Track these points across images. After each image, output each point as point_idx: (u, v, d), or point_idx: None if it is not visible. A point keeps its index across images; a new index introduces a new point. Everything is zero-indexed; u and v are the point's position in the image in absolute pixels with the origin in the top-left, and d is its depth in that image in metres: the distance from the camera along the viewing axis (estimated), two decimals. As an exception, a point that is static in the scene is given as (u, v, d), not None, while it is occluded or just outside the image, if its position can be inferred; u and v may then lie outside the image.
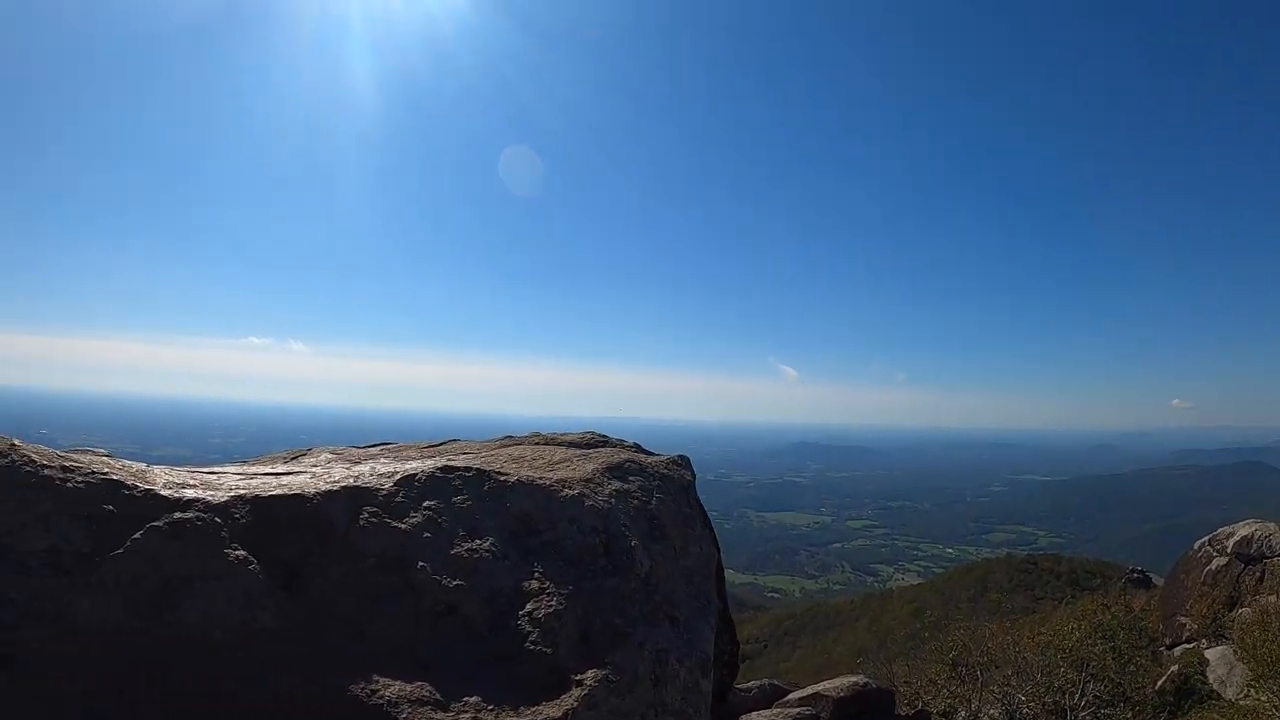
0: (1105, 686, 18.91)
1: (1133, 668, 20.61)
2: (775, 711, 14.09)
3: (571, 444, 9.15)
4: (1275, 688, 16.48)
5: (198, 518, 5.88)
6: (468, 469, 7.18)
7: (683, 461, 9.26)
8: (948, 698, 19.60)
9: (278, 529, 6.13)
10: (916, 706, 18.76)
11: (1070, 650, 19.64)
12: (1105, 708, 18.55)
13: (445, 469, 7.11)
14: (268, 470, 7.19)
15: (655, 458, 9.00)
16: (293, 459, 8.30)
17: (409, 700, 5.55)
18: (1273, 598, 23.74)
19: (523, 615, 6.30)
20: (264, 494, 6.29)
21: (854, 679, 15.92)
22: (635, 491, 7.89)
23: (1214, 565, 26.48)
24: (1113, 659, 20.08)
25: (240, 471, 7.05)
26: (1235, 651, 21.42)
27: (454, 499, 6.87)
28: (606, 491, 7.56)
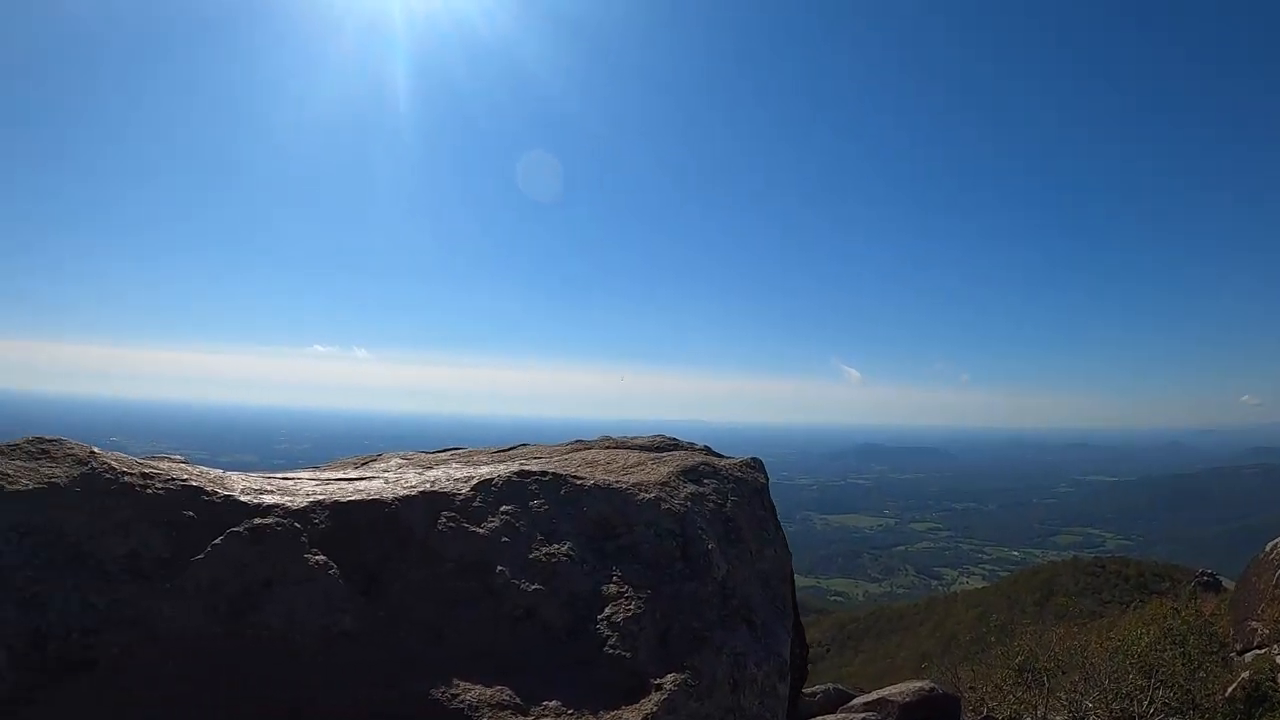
0: (1174, 693, 18.41)
1: (1202, 674, 20.01)
2: (840, 716, 13.99)
3: (642, 447, 9.09)
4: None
5: (277, 523, 5.93)
6: (544, 473, 7.15)
7: (756, 464, 9.17)
8: (1014, 704, 19.24)
9: (357, 534, 6.16)
10: (982, 713, 18.47)
11: (1139, 656, 19.16)
12: (1174, 715, 18.05)
13: (521, 473, 7.09)
14: (341, 476, 7.22)
15: (728, 460, 8.93)
16: (364, 464, 8.34)
17: (489, 704, 5.52)
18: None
19: (601, 619, 6.26)
20: (342, 499, 6.33)
21: (919, 684, 15.72)
22: (710, 495, 7.81)
23: (1288, 567, 25.81)
24: (1182, 665, 19.54)
25: (315, 477, 7.08)
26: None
27: (531, 503, 6.84)
28: (682, 495, 7.49)
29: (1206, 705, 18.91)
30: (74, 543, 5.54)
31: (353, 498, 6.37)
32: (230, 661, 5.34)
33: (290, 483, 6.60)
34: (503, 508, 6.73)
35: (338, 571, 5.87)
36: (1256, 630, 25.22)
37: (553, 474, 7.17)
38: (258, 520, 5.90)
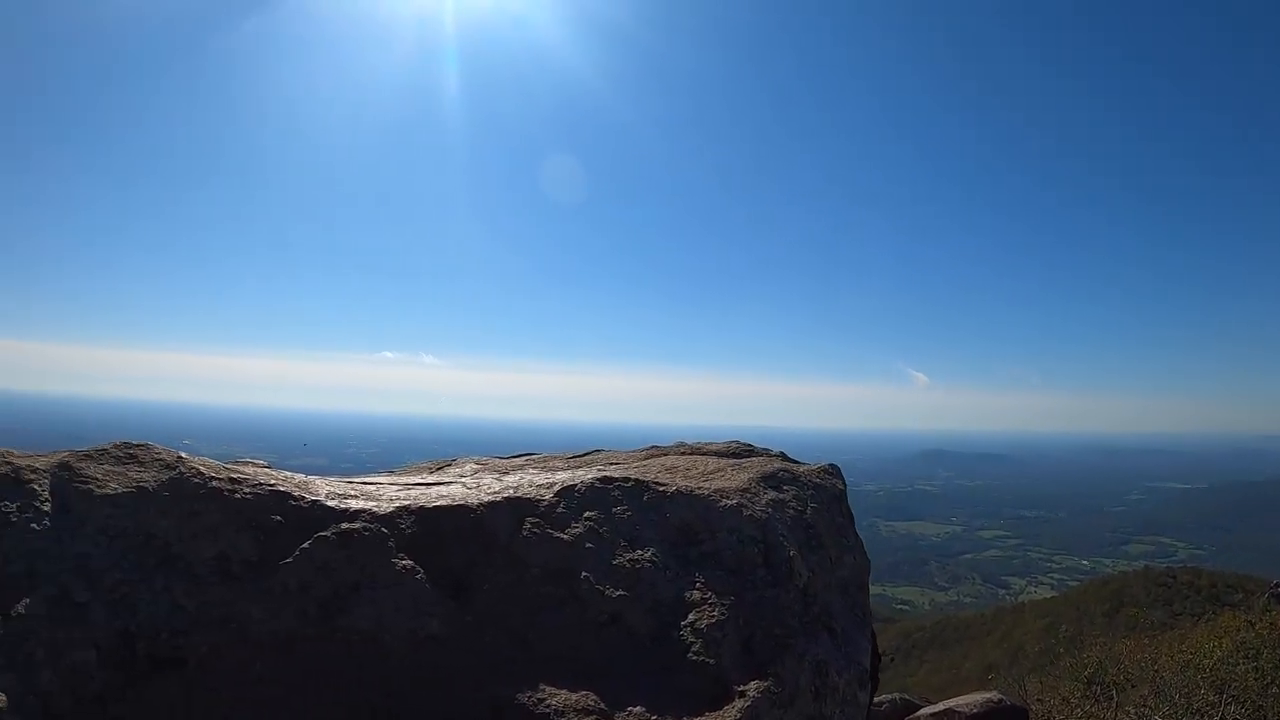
0: (1246, 709, 17.86)
1: (1276, 689, 19.39)
2: (907, 727, 13.84)
3: (718, 453, 9.06)
4: None
5: (365, 528, 6.01)
6: (626, 479, 7.16)
7: (833, 470, 9.08)
8: (1082, 718, 18.81)
9: (443, 539, 6.21)
10: (1049, 727, 18.13)
11: (1210, 670, 18.62)
12: (1246, 732, 17.58)
13: (604, 480, 7.10)
14: (419, 480, 7.28)
15: (807, 466, 8.85)
16: (439, 469, 8.39)
17: (575, 709, 5.54)
18: None
19: (685, 625, 6.25)
20: (428, 505, 6.39)
21: (987, 695, 15.48)
22: (790, 501, 7.75)
23: (1368, 579, 25.19)
24: (1255, 680, 18.92)
25: (395, 481, 7.15)
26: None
27: (614, 509, 6.85)
28: (763, 501, 7.44)
29: (1279, 722, 18.41)
30: (163, 545, 5.66)
31: (438, 503, 6.43)
32: (320, 663, 5.42)
33: (373, 487, 6.69)
34: (586, 514, 6.74)
35: (424, 576, 5.93)
36: (1331, 645, 24.63)
37: (635, 480, 7.17)
38: (345, 525, 5.99)
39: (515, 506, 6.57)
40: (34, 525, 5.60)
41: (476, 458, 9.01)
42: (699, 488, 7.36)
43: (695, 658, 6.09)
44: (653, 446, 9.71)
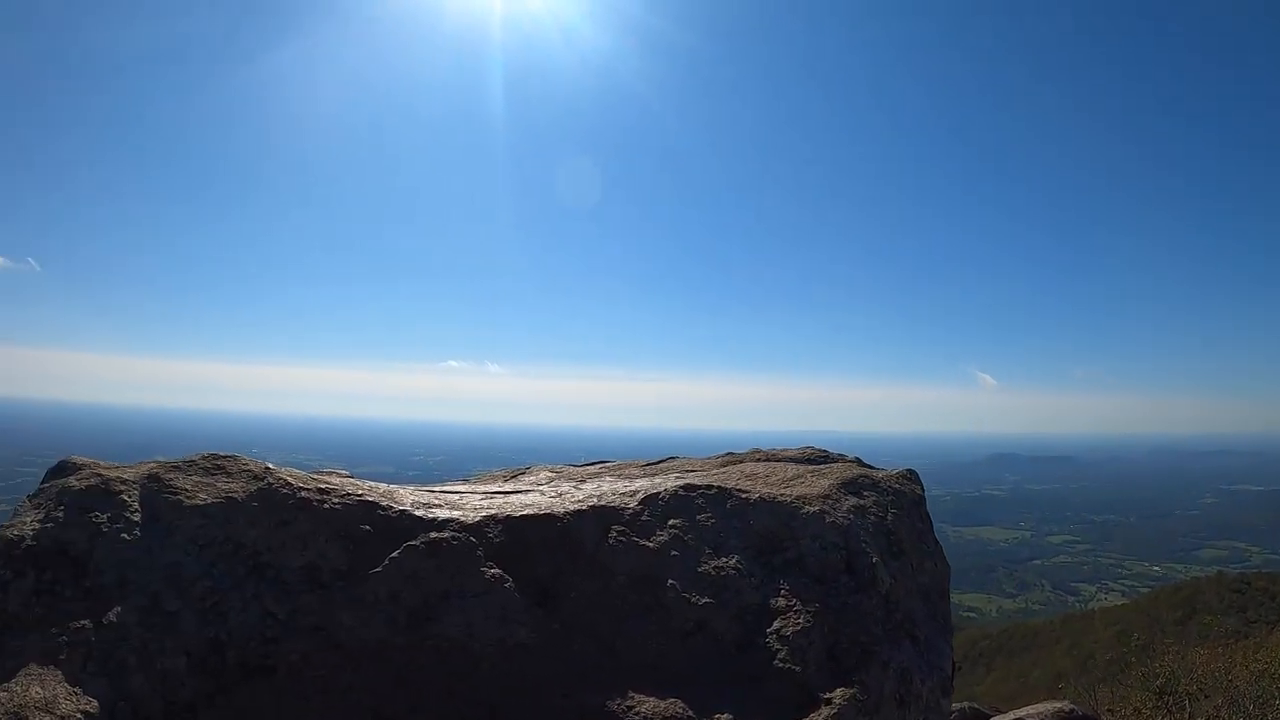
0: (1324, 721, 17.47)
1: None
2: (978, 737, 13.65)
3: (794, 459, 9.00)
4: None
5: (453, 537, 6.09)
6: (709, 487, 7.17)
7: (912, 475, 9.01)
8: (1153, 729, 18.43)
9: (530, 548, 6.28)
10: (1121, 737, 17.76)
11: (1287, 679, 18.25)
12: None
13: (687, 487, 7.13)
14: (497, 488, 7.36)
15: (885, 472, 8.79)
16: (513, 477, 8.44)
17: (662, 716, 5.57)
18: None
19: (770, 633, 6.25)
20: (515, 514, 6.47)
21: (1059, 705, 15.21)
22: (871, 507, 7.70)
23: None
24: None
25: (474, 490, 7.23)
26: None
27: (698, 517, 6.87)
28: (844, 508, 7.39)
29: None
30: (252, 554, 5.78)
31: (524, 512, 6.51)
32: (410, 671, 5.50)
33: (455, 496, 6.80)
34: (670, 521, 6.78)
35: (513, 585, 6.00)
36: None
37: (718, 487, 7.18)
38: (434, 534, 6.07)
39: (601, 515, 6.62)
40: (124, 535, 5.72)
41: (550, 465, 9.04)
42: (781, 494, 7.34)
43: (781, 665, 6.08)
44: (728, 453, 9.67)
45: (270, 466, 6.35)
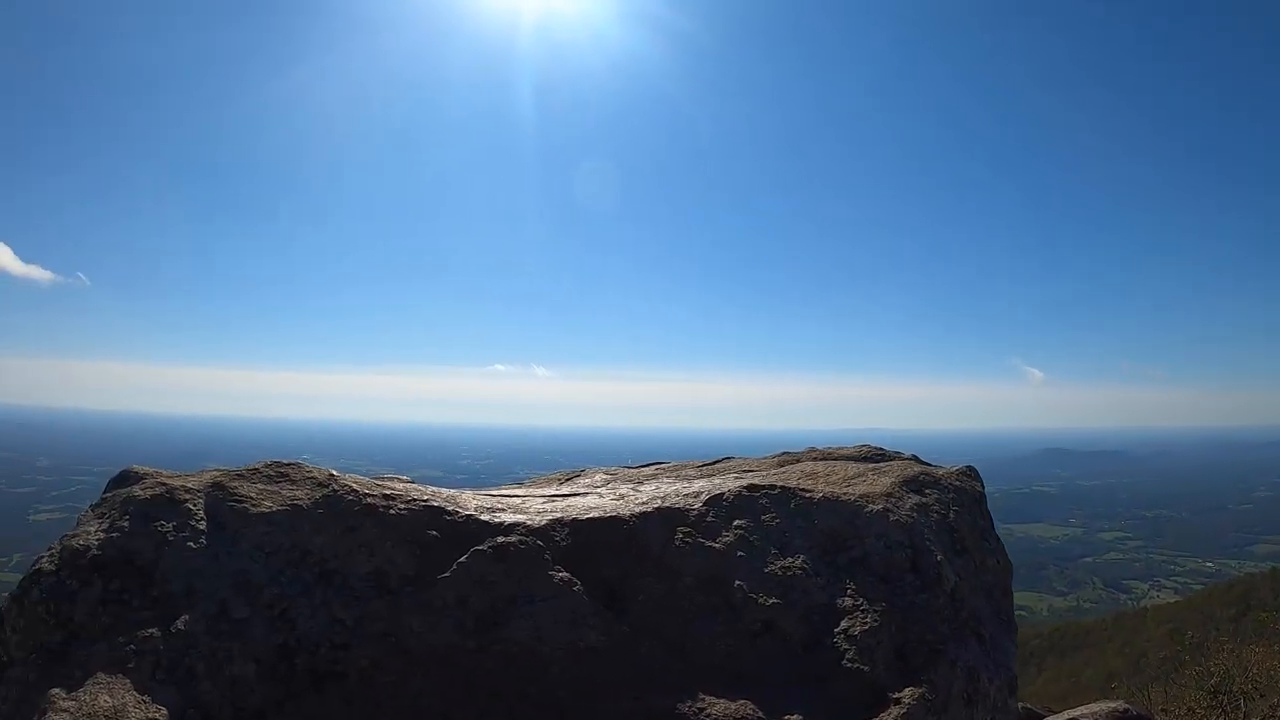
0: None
1: None
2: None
3: (851, 458, 8.95)
4: None
5: (520, 541, 6.15)
6: (772, 487, 7.19)
7: (972, 472, 8.93)
8: (1208, 729, 18.08)
9: (596, 551, 6.33)
10: (1175, 737, 17.44)
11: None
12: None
13: (751, 488, 7.16)
14: (554, 491, 7.42)
15: (945, 469, 8.72)
16: (568, 479, 8.46)
17: (733, 718, 5.58)
18: None
19: (838, 632, 6.25)
20: (581, 517, 6.52)
21: (1113, 705, 14.94)
22: (933, 505, 7.65)
23: None
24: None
25: (534, 493, 7.30)
26: None
27: (762, 517, 6.90)
28: (907, 506, 7.36)
29: None
30: (319, 561, 5.86)
31: (590, 515, 6.56)
32: (480, 676, 5.55)
33: (518, 500, 6.86)
34: (735, 522, 6.79)
35: (581, 588, 6.04)
36: None
37: (781, 487, 7.20)
38: (500, 539, 6.13)
39: (666, 516, 6.64)
40: (190, 544, 5.78)
41: (605, 468, 9.05)
42: (844, 494, 7.32)
43: (850, 665, 6.07)
44: (784, 453, 9.63)
45: (334, 473, 6.42)
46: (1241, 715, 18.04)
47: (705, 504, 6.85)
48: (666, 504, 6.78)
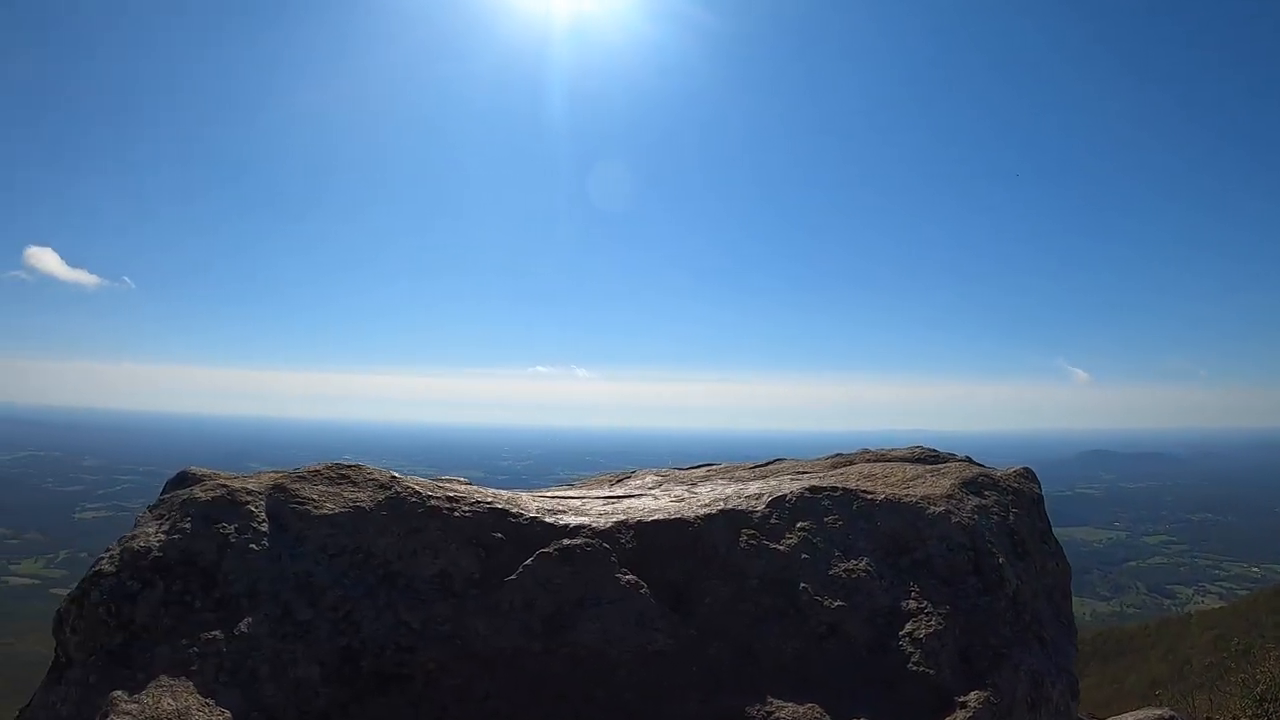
0: None
1: None
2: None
3: (904, 459, 8.92)
4: None
5: (586, 544, 6.20)
6: (834, 489, 7.22)
7: (1029, 474, 8.85)
8: (1254, 739, 17.70)
9: (661, 553, 6.37)
10: (1220, 746, 17.13)
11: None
12: None
13: (813, 489, 7.20)
14: (608, 493, 7.49)
15: (1003, 471, 8.67)
16: (618, 481, 8.50)
17: (802, 721, 5.64)
18: None
19: (903, 635, 6.29)
20: (646, 519, 6.56)
21: (1158, 712, 14.74)
22: (993, 507, 7.62)
23: None
24: None
25: (588, 495, 7.36)
26: None
27: (825, 519, 6.94)
28: (968, 507, 7.34)
29: None
30: (382, 563, 5.92)
31: (655, 517, 6.60)
32: (547, 678, 5.60)
33: (578, 501, 6.96)
34: (799, 524, 6.82)
35: (648, 590, 6.09)
36: None
37: (843, 489, 7.23)
38: (566, 541, 6.19)
39: (731, 519, 6.67)
40: (253, 546, 5.81)
41: (654, 469, 9.06)
42: (905, 495, 7.32)
43: (915, 668, 6.10)
44: (837, 454, 9.59)
45: (396, 475, 6.47)
46: (1288, 723, 17.67)
47: (768, 506, 6.87)
48: (729, 506, 6.80)
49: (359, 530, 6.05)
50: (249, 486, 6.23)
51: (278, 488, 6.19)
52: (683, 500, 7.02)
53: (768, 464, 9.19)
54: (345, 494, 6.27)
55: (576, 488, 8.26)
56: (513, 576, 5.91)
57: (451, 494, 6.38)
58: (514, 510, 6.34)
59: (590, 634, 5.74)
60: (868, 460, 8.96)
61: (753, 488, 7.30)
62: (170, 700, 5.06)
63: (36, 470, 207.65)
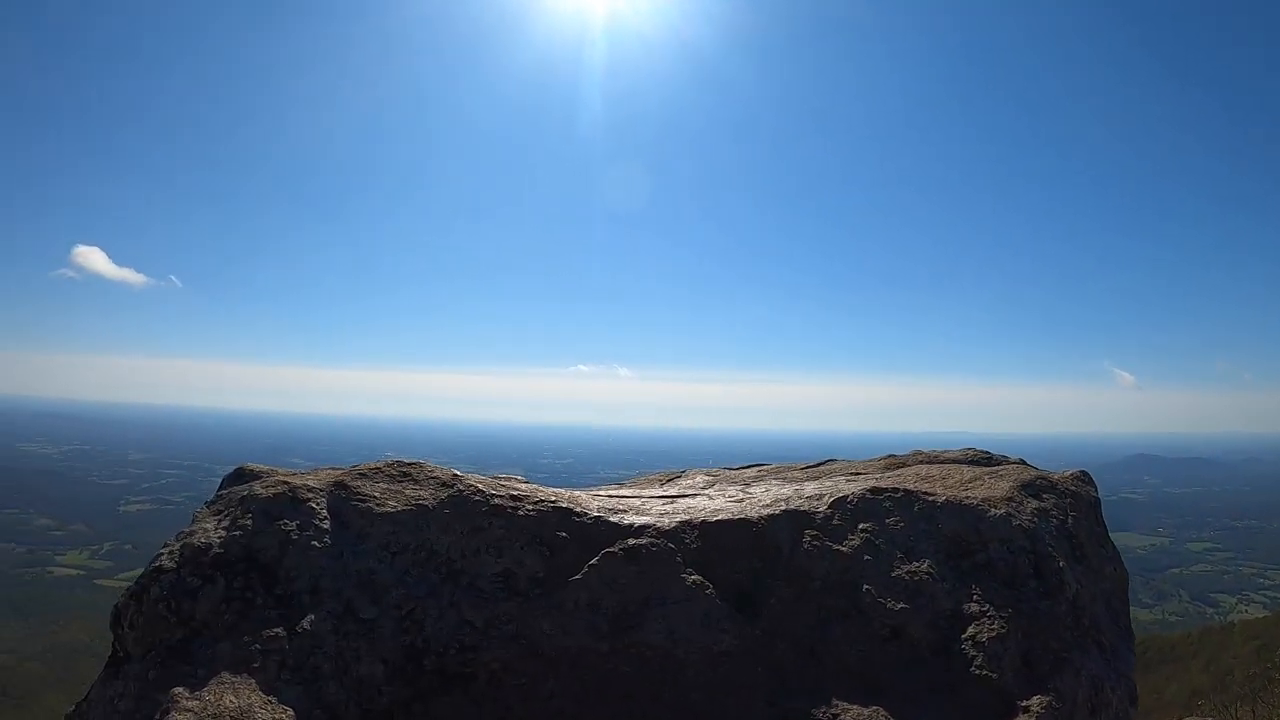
0: None
1: None
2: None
3: (957, 461, 8.92)
4: None
5: (652, 543, 6.25)
6: (895, 490, 7.26)
7: (1085, 478, 8.79)
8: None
9: (726, 553, 6.40)
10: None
11: None
12: None
13: (874, 490, 7.25)
14: (660, 492, 7.53)
15: (1060, 474, 8.63)
16: (668, 480, 8.55)
17: (867, 726, 5.73)
18: None
19: (965, 639, 6.32)
20: (710, 519, 6.60)
21: (1200, 724, 14.56)
22: (1052, 510, 7.62)
23: None
24: None
25: (642, 494, 7.40)
26: None
27: (886, 520, 6.97)
28: (1028, 510, 7.35)
29: None
30: (445, 562, 6.01)
31: (719, 517, 6.63)
32: (614, 678, 5.64)
33: (638, 501, 7.04)
34: (860, 525, 6.86)
35: (713, 591, 6.13)
36: None
37: (904, 490, 7.27)
38: (631, 540, 6.24)
39: (794, 519, 6.71)
40: (315, 543, 5.86)
41: (704, 469, 9.07)
42: (965, 497, 7.35)
43: (978, 672, 6.12)
44: (890, 455, 9.55)
45: (457, 473, 6.51)
46: (1333, 738, 17.43)
47: (830, 507, 6.89)
48: (791, 506, 6.83)
49: (421, 528, 6.09)
50: (309, 483, 6.29)
51: (339, 485, 6.25)
52: (741, 501, 7.04)
53: (819, 464, 9.18)
54: (407, 492, 6.32)
55: (627, 487, 8.29)
56: (578, 576, 5.96)
57: (515, 492, 6.43)
58: (577, 509, 6.39)
59: (657, 634, 5.77)
60: (921, 462, 8.93)
61: (809, 488, 7.34)
62: (232, 697, 5.09)
63: (83, 464, 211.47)
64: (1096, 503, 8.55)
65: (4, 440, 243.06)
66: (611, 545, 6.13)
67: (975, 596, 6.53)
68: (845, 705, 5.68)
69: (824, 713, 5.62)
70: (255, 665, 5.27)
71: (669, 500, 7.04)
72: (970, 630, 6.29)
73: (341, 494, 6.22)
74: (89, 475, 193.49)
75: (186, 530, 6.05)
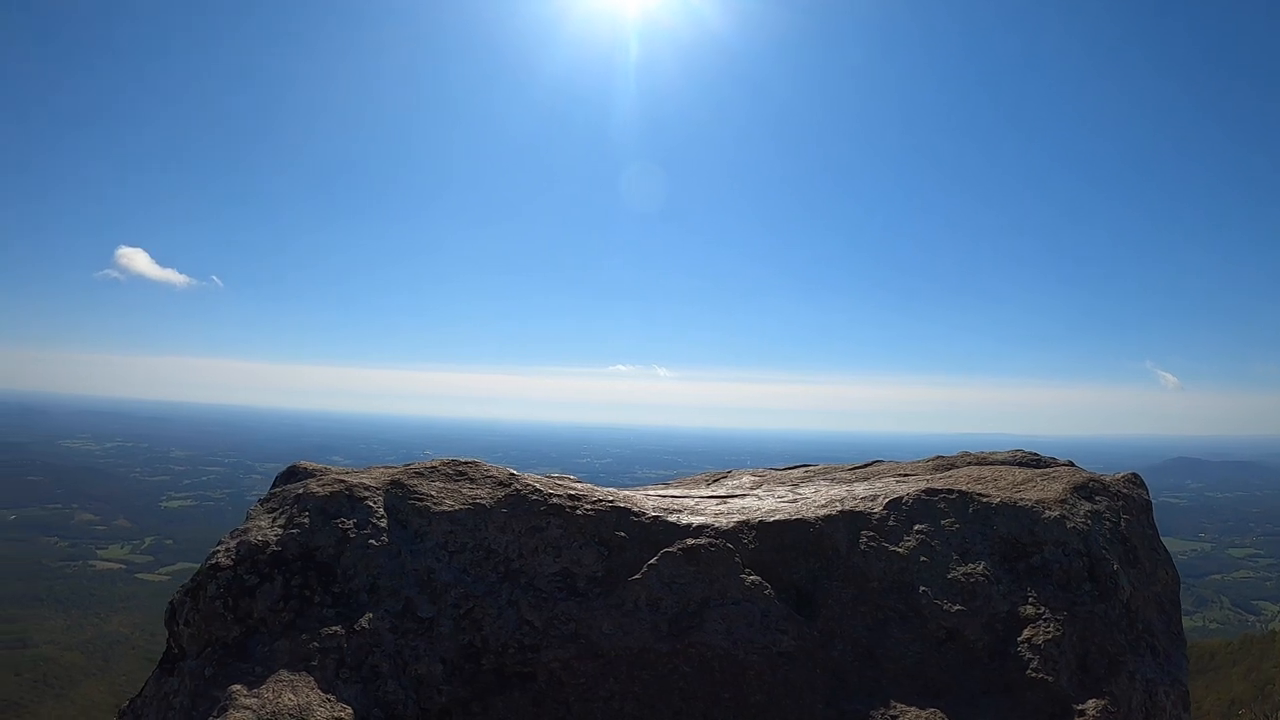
0: None
1: None
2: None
3: (1006, 463, 8.89)
4: None
5: (710, 544, 6.31)
6: (950, 491, 7.28)
7: (1137, 480, 8.73)
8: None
9: (784, 554, 6.47)
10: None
11: None
12: None
13: (929, 491, 7.28)
14: (709, 493, 7.55)
15: (1112, 476, 8.55)
16: (714, 480, 8.59)
17: (925, 727, 5.83)
18: None
19: (1021, 641, 6.31)
20: (767, 520, 6.65)
21: (1238, 733, 14.39)
22: (1105, 513, 7.58)
23: None
24: None
25: (691, 494, 7.50)
26: None
27: (941, 521, 7.00)
28: (1082, 513, 7.33)
29: None
30: (503, 561, 6.08)
31: (776, 518, 6.68)
32: (674, 679, 5.69)
33: (693, 501, 7.13)
34: (916, 526, 6.88)
35: (772, 591, 6.18)
36: None
37: (959, 492, 7.30)
38: (690, 540, 6.29)
39: (851, 520, 6.76)
40: (373, 541, 5.90)
41: (750, 470, 9.09)
42: (1020, 499, 7.36)
43: (1034, 675, 6.11)
44: (938, 457, 9.52)
45: (514, 472, 6.56)
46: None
47: (885, 508, 6.92)
48: (846, 507, 6.87)
49: (479, 527, 6.20)
50: (365, 482, 6.39)
51: (395, 484, 6.35)
52: (795, 501, 7.09)
53: (866, 465, 9.20)
54: (464, 491, 6.43)
55: (673, 486, 8.35)
56: (637, 575, 6.03)
57: (572, 492, 6.53)
58: (635, 509, 6.47)
59: (717, 634, 5.82)
60: (970, 463, 8.92)
61: (861, 489, 7.39)
62: (291, 695, 5.16)
63: (126, 460, 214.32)
64: (1148, 505, 8.51)
65: (48, 437, 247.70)
66: (670, 545, 6.18)
67: (1030, 599, 6.52)
68: (903, 707, 5.72)
69: (882, 714, 5.66)
70: (313, 663, 5.37)
71: (721, 500, 7.09)
72: (1026, 633, 6.28)
73: (398, 493, 6.33)
74: (131, 471, 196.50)
75: (241, 528, 6.13)
